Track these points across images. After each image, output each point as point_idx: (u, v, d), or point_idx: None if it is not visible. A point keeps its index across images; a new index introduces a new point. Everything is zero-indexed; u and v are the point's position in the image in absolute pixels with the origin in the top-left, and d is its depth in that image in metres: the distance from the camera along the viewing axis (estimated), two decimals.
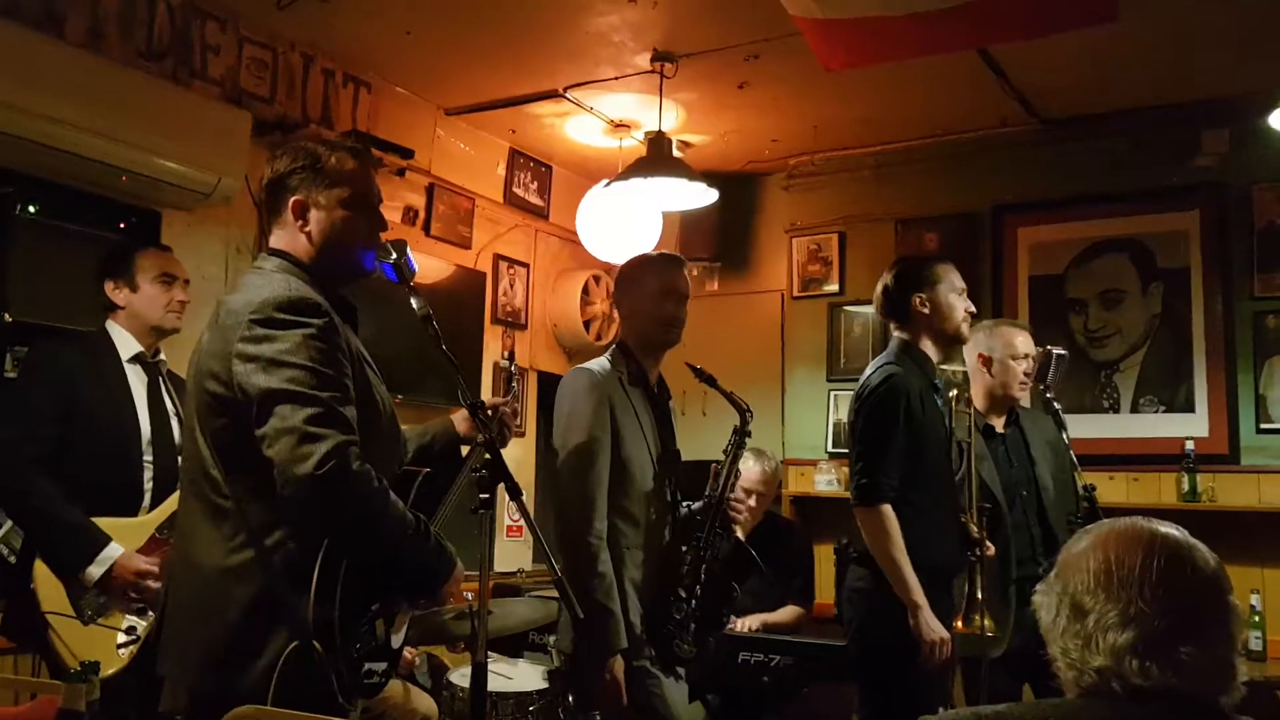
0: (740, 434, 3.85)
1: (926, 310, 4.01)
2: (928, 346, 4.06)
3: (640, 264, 3.90)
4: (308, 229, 2.73)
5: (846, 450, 4.25)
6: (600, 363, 3.74)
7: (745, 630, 5.49)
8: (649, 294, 3.74)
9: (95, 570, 3.51)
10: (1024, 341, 4.43)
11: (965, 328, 4.08)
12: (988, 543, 3.78)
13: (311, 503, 2.41)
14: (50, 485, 3.55)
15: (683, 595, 3.61)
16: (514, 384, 3.58)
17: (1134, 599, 1.62)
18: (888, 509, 3.78)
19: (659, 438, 3.73)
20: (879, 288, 4.15)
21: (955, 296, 4.04)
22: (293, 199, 2.72)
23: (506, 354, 3.55)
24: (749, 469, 5.44)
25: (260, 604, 2.48)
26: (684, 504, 3.79)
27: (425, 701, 3.35)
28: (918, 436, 3.88)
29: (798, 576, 5.85)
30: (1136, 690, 1.59)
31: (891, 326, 4.15)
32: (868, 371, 4.06)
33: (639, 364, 3.75)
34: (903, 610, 3.73)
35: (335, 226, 2.73)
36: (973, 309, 4.12)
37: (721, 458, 3.80)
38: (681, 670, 3.67)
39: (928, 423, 3.91)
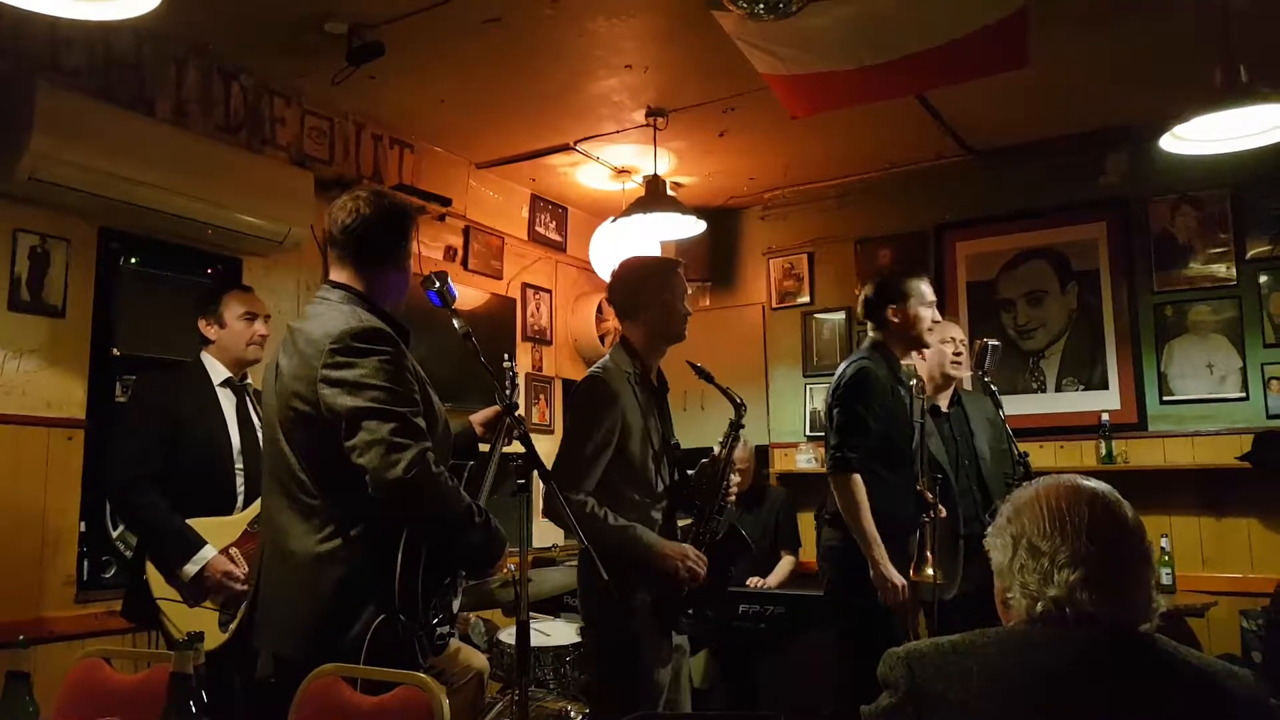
0: (735, 426, 3.57)
1: (897, 320, 4.05)
2: (895, 347, 4.08)
3: (658, 268, 3.62)
4: None
5: (822, 434, 4.24)
6: (612, 366, 3.45)
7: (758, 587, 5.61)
8: (673, 295, 3.49)
9: (190, 569, 3.52)
10: (949, 328, 4.43)
11: (928, 335, 4.10)
12: (940, 506, 3.76)
13: (400, 502, 2.43)
14: (156, 497, 3.56)
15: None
16: (514, 385, 3.53)
17: (1083, 542, 1.63)
18: (857, 478, 3.80)
19: (660, 431, 3.45)
20: (862, 296, 4.19)
21: (923, 308, 4.06)
22: None
23: (507, 356, 3.50)
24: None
25: (350, 583, 2.50)
26: (688, 474, 3.55)
27: (479, 659, 3.33)
28: (885, 419, 3.90)
29: (784, 522, 6.01)
30: (1083, 616, 1.60)
31: (868, 327, 4.18)
32: (843, 366, 4.07)
33: (643, 363, 3.48)
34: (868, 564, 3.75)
35: None
36: (938, 318, 4.16)
37: (716, 448, 3.64)
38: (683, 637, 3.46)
39: (894, 407, 3.93)
